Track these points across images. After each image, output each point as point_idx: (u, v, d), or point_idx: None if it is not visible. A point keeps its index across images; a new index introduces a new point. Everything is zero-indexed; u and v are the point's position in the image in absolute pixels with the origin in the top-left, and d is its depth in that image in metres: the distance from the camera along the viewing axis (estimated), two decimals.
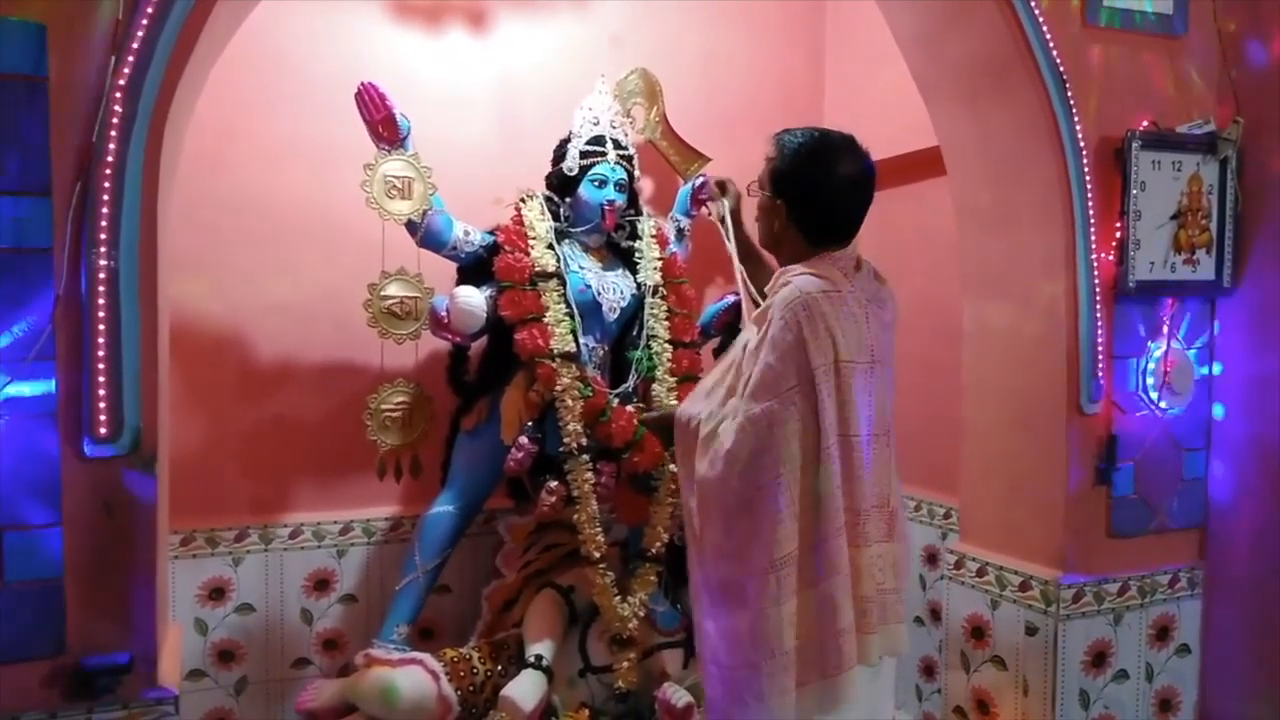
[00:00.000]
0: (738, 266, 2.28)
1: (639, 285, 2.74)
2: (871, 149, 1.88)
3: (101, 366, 1.68)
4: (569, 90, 2.83)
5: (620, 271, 2.76)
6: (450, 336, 2.59)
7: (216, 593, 2.73)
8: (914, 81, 2.58)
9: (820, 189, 1.84)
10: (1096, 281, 2.35)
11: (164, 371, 1.87)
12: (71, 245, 1.66)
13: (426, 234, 2.51)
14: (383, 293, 2.48)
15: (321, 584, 2.85)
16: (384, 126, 2.38)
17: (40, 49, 1.63)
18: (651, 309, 2.73)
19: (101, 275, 1.67)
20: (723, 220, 2.42)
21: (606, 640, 2.58)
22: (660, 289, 2.75)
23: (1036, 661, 2.37)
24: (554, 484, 2.53)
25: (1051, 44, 2.29)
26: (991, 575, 2.48)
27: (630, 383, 2.68)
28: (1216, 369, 2.53)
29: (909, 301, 3.02)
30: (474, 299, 2.50)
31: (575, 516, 2.54)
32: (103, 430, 1.69)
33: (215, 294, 2.73)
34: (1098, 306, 2.35)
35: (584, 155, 2.69)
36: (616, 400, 2.61)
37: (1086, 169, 2.32)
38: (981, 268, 2.55)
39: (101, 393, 1.68)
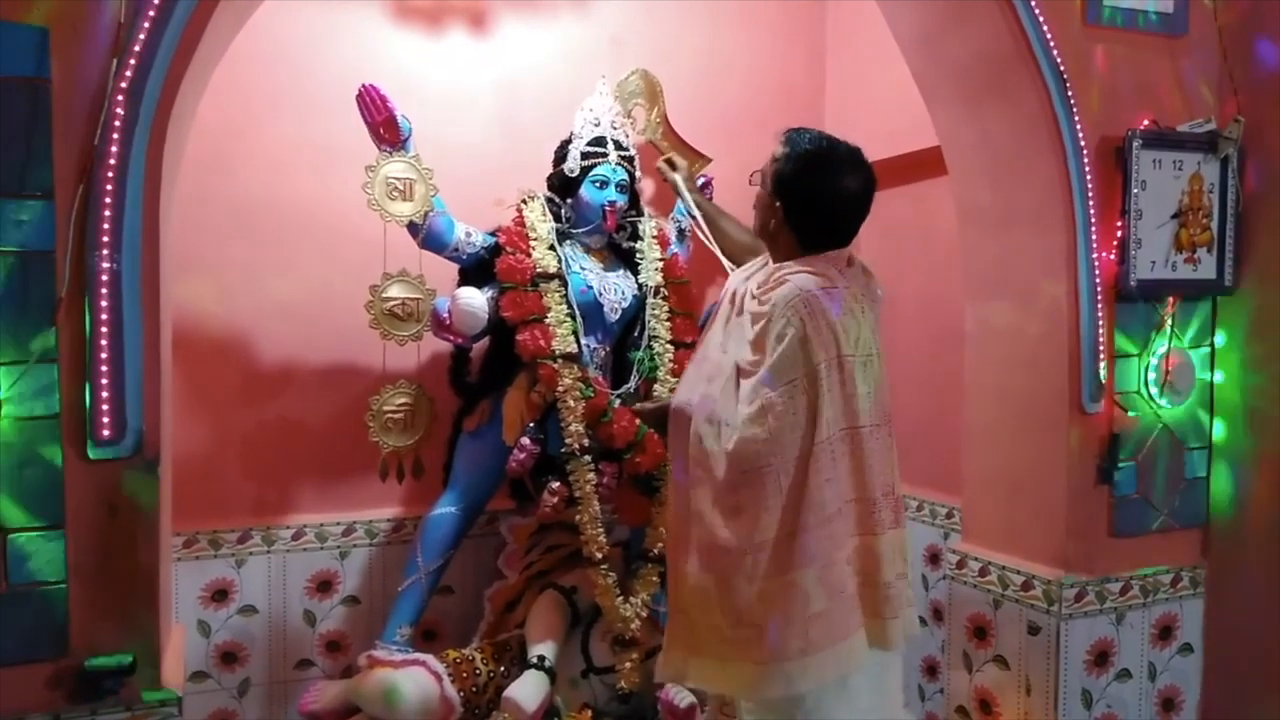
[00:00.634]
0: (700, 223, 2.62)
1: (640, 286, 2.74)
2: (871, 149, 1.89)
3: (104, 369, 1.68)
4: (570, 91, 2.84)
5: (621, 272, 2.76)
6: (452, 338, 2.59)
7: (219, 594, 2.74)
8: (914, 81, 2.57)
9: (820, 200, 1.86)
10: (1098, 281, 2.35)
11: (167, 373, 1.86)
12: (74, 247, 1.66)
13: (428, 235, 2.51)
14: (384, 294, 2.49)
15: (324, 585, 2.85)
16: (385, 128, 2.39)
17: (43, 52, 1.63)
18: (653, 310, 2.73)
19: (104, 277, 1.67)
20: (676, 188, 2.78)
21: (609, 641, 2.58)
22: (662, 290, 2.76)
23: (1039, 661, 2.37)
24: (556, 485, 2.53)
25: (1052, 43, 2.29)
26: (994, 575, 2.48)
27: (632, 383, 2.69)
28: (1218, 368, 2.53)
29: (910, 302, 3.05)
30: (475, 300, 2.50)
31: (577, 517, 2.54)
32: (106, 432, 1.69)
33: (217, 296, 2.73)
34: (1099, 306, 2.35)
35: (585, 156, 2.69)
36: (618, 401, 2.61)
37: (1087, 168, 2.32)
38: (983, 268, 2.54)
39: (104, 395, 1.68)
